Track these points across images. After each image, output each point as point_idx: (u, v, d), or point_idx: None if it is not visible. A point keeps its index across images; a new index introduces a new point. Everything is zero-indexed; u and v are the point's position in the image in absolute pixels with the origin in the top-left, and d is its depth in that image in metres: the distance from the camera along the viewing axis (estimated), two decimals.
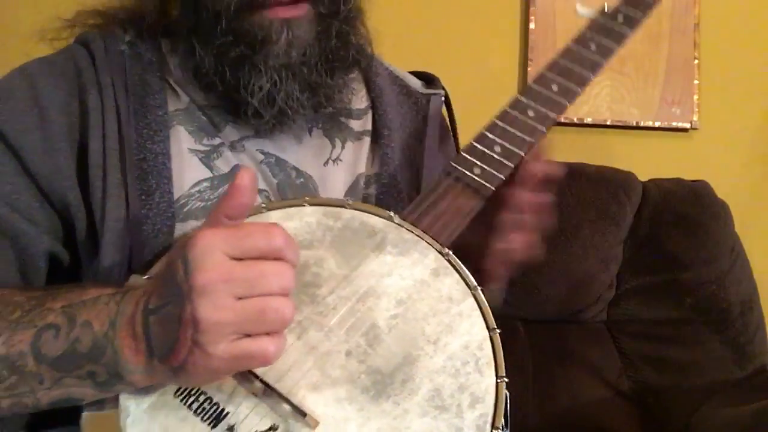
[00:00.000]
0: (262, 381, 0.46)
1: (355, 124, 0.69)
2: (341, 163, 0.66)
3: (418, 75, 0.77)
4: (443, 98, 0.75)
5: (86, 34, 0.65)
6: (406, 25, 1.32)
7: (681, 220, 1.12)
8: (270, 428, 0.45)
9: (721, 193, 1.15)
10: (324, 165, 0.66)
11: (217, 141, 0.63)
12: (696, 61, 1.33)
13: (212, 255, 0.41)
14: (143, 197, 0.57)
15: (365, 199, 0.66)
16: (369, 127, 0.70)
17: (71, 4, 0.66)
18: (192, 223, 0.58)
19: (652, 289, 1.11)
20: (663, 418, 1.06)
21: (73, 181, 0.58)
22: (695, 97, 1.33)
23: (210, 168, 0.61)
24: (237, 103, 0.61)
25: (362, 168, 0.67)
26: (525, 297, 1.09)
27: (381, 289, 0.50)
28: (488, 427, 0.46)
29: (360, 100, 0.71)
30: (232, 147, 0.63)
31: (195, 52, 0.60)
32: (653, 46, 1.32)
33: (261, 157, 0.64)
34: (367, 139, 0.69)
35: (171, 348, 0.42)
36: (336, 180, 0.65)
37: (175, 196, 0.59)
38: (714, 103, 1.34)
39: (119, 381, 0.45)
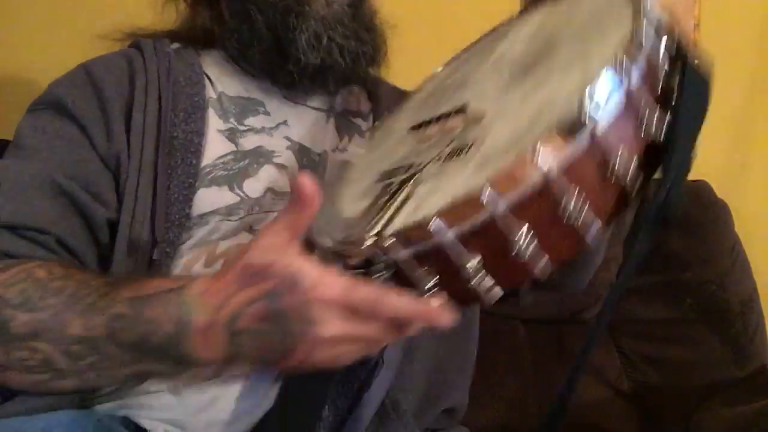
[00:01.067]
0: None
1: (362, 123, 0.79)
2: (345, 153, 0.75)
3: None
4: None
5: (139, 40, 0.76)
6: (407, 24, 1.32)
7: (681, 220, 1.11)
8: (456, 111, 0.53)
9: (721, 193, 1.15)
10: (332, 151, 0.75)
11: (243, 127, 0.72)
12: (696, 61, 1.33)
13: (329, 313, 0.43)
14: (168, 171, 0.65)
15: None
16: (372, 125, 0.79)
17: (129, 17, 0.80)
18: (214, 190, 0.67)
19: (652, 289, 1.10)
20: (663, 418, 1.06)
21: (123, 144, 0.66)
22: None
23: (234, 144, 0.70)
24: (282, 51, 0.71)
25: None
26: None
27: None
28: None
29: (364, 104, 0.81)
30: (259, 131, 0.72)
31: (249, 16, 0.72)
32: None
33: (286, 143, 0.73)
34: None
35: (269, 360, 0.47)
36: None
37: (201, 165, 0.67)
38: (714, 102, 1.33)
39: (193, 368, 0.50)
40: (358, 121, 0.79)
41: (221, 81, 0.76)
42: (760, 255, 1.20)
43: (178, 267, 0.64)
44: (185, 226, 0.64)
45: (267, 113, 0.75)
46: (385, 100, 0.80)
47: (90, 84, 0.69)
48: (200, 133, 0.68)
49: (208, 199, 0.66)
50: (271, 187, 0.69)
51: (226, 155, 0.69)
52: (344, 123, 0.78)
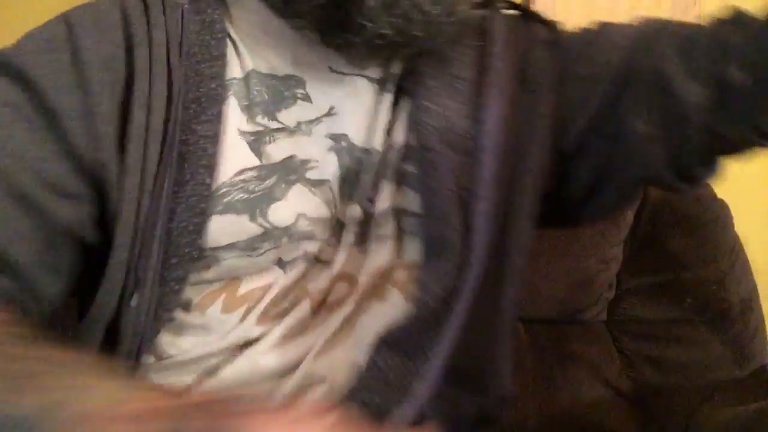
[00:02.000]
0: None
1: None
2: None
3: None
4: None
5: None
6: None
7: (681, 220, 1.11)
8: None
9: (721, 193, 1.14)
10: (385, 134, 0.57)
11: (274, 124, 0.54)
12: None
13: None
14: (175, 188, 0.50)
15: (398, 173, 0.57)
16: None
17: None
18: (230, 218, 0.51)
19: (652, 289, 1.10)
20: (663, 418, 1.06)
21: (111, 153, 0.49)
22: None
23: (259, 154, 0.53)
24: (342, 10, 0.49)
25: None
26: (525, 297, 1.09)
27: None
28: None
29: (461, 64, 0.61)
30: (293, 131, 0.55)
31: None
32: None
33: (329, 143, 0.56)
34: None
35: None
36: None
37: (216, 184, 0.51)
38: None
39: None
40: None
41: (252, 49, 0.55)
42: (760, 255, 1.19)
43: (190, 311, 0.54)
44: (196, 262, 0.51)
45: (307, 98, 0.56)
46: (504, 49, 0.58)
47: (70, 52, 0.50)
48: (215, 137, 0.51)
49: (224, 229, 0.51)
50: (303, 212, 0.54)
51: (247, 171, 0.53)
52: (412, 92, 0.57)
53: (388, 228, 0.57)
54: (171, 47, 0.51)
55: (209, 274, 0.53)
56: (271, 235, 0.53)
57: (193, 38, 0.53)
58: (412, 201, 0.56)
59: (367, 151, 0.56)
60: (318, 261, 0.57)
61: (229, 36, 0.55)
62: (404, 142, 0.57)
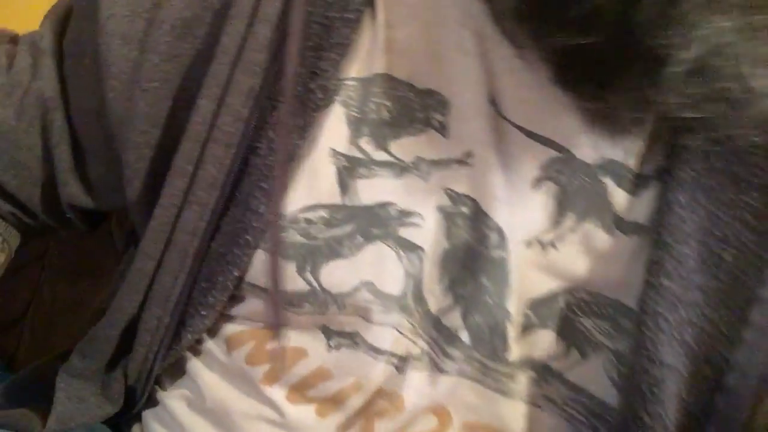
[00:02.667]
0: None
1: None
2: (557, 254, 0.38)
3: None
4: None
5: None
6: None
7: None
8: None
9: None
10: (528, 245, 0.38)
11: (380, 155, 0.39)
12: None
13: None
14: (228, 207, 0.39)
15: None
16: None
17: None
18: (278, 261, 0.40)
19: None
20: None
21: (139, 151, 0.40)
22: None
23: (344, 189, 0.39)
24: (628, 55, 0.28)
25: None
26: None
27: None
28: None
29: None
30: (404, 169, 0.39)
31: None
32: None
33: (444, 200, 0.39)
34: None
35: None
36: (540, 281, 0.38)
37: (272, 214, 0.39)
38: None
39: None
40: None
41: (400, 39, 0.38)
42: None
43: (217, 342, 0.45)
44: (230, 292, 0.42)
45: (443, 129, 0.38)
46: None
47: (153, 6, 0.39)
48: (292, 156, 0.38)
49: (266, 269, 0.40)
50: (370, 281, 0.39)
51: (319, 209, 0.39)
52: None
53: (509, 381, 0.40)
54: (288, 32, 0.36)
55: (243, 309, 0.43)
56: (316, 297, 0.40)
57: (318, 14, 0.37)
58: (589, 376, 0.38)
59: (502, 239, 0.38)
60: (374, 350, 0.41)
61: (370, 13, 0.38)
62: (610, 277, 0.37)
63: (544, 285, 0.38)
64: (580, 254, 0.38)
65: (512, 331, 0.39)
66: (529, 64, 0.34)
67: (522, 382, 0.40)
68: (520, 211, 0.38)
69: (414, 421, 0.41)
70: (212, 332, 0.45)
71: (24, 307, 0.67)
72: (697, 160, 0.35)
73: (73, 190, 0.45)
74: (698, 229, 0.35)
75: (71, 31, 0.43)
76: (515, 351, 0.39)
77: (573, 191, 0.37)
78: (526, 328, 0.39)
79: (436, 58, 0.38)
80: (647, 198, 0.37)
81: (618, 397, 0.37)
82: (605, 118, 0.33)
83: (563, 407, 0.40)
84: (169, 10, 0.38)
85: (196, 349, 0.46)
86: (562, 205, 0.38)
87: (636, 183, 0.37)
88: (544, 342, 0.39)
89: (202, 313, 0.42)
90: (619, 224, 0.37)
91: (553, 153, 0.37)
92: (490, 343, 0.39)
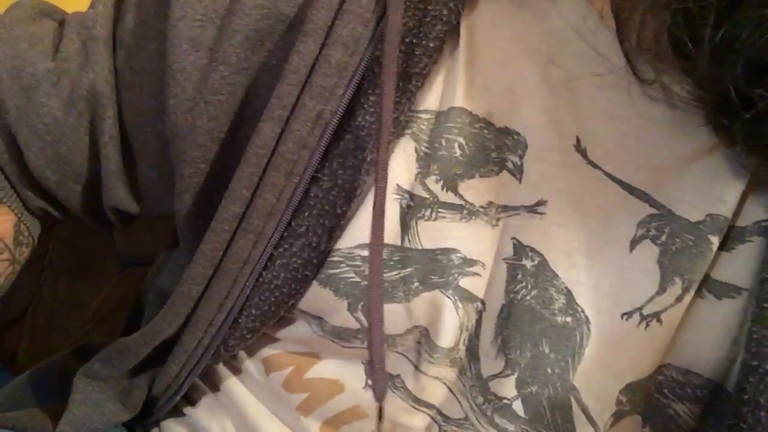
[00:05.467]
0: None
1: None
2: (657, 327, 0.33)
3: None
4: None
5: None
6: None
7: None
8: None
9: None
10: (624, 317, 0.34)
11: (448, 196, 0.35)
12: None
13: None
14: (283, 233, 0.36)
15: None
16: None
17: None
18: (327, 295, 0.37)
19: None
20: None
21: (195, 165, 0.37)
22: None
23: (404, 229, 0.35)
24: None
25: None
26: None
27: None
28: None
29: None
30: (472, 214, 0.35)
31: None
32: None
33: (509, 251, 0.35)
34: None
35: None
36: (637, 347, 0.34)
37: (333, 248, 0.36)
38: None
39: None
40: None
41: (483, 72, 0.34)
42: None
43: (255, 362, 0.43)
44: (280, 318, 0.40)
45: (518, 171, 0.35)
46: None
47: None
48: (353, 192, 0.34)
49: (317, 302, 0.38)
50: (424, 327, 0.37)
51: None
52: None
53: None
54: (357, 42, 0.33)
55: (290, 333, 0.41)
56: (366, 335, 0.38)
57: (413, 21, 0.33)
58: None
59: (570, 304, 0.34)
60: (415, 400, 0.39)
61: (451, 42, 0.34)
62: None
63: (641, 364, 0.33)
64: (678, 326, 0.33)
65: (577, 408, 0.35)
66: (644, 113, 0.31)
67: None
68: (612, 274, 0.33)
69: None
70: (251, 351, 0.43)
71: (24, 307, 0.67)
72: None
73: (119, 194, 0.41)
74: None
75: (129, 20, 0.38)
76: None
77: (675, 252, 0.32)
78: (619, 416, 0.34)
79: (518, 95, 0.34)
80: (744, 255, 0.32)
81: None
82: None
83: None
84: (243, 20, 0.34)
85: (232, 365, 0.45)
86: (666, 270, 0.33)
87: (731, 237, 0.32)
88: (628, 429, 0.35)
89: (246, 336, 0.39)
90: (711, 287, 0.33)
91: (650, 209, 0.33)
92: (552, 421, 0.35)
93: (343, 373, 0.41)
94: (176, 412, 0.47)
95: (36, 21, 0.41)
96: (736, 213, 0.32)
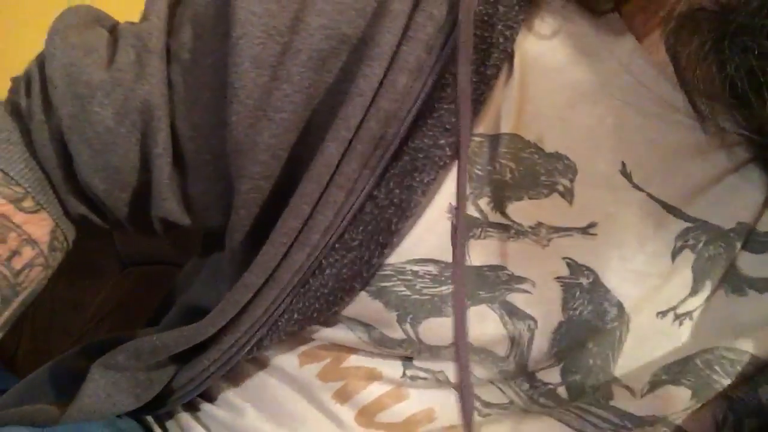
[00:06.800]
0: None
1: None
2: (690, 323, 0.37)
3: None
4: None
5: None
6: None
7: None
8: None
9: None
10: (659, 315, 0.37)
11: (496, 217, 0.37)
12: None
13: None
14: (336, 244, 0.37)
15: None
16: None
17: None
18: (377, 306, 0.38)
19: None
20: None
21: (255, 182, 0.38)
22: None
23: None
24: None
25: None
26: None
27: None
28: None
29: None
30: (521, 233, 0.37)
31: None
32: None
33: (563, 271, 0.37)
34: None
35: None
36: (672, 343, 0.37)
37: (388, 260, 0.37)
38: None
39: None
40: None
41: (534, 98, 0.36)
42: None
43: (289, 357, 0.44)
44: (323, 323, 0.41)
45: (568, 194, 0.36)
46: None
47: (293, 16, 0.35)
48: (409, 210, 0.36)
49: (366, 312, 0.39)
50: (470, 339, 0.37)
51: (428, 263, 0.37)
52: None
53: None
54: (419, 63, 0.34)
55: (331, 334, 0.42)
56: (410, 345, 0.39)
57: (478, 29, 0.34)
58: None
59: (621, 314, 0.37)
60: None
61: (506, 69, 0.35)
62: None
63: (676, 352, 0.38)
64: (715, 320, 0.37)
65: (618, 393, 0.39)
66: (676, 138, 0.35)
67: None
68: (655, 282, 0.37)
69: None
70: (283, 348, 0.44)
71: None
72: None
73: (170, 205, 0.41)
74: None
75: (184, 35, 0.39)
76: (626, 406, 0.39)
77: (708, 258, 0.37)
78: (654, 385, 0.38)
79: (568, 123, 0.36)
80: None
81: None
82: None
83: None
84: (307, 39, 0.35)
85: (257, 359, 0.45)
86: (698, 274, 0.37)
87: (761, 242, 0.37)
88: (676, 398, 0.38)
89: (283, 338, 0.40)
90: (752, 283, 0.37)
91: (685, 224, 0.37)
92: (594, 397, 0.39)
93: (380, 363, 0.42)
94: (192, 405, 0.47)
95: (89, 28, 0.41)
96: (756, 218, 0.37)
